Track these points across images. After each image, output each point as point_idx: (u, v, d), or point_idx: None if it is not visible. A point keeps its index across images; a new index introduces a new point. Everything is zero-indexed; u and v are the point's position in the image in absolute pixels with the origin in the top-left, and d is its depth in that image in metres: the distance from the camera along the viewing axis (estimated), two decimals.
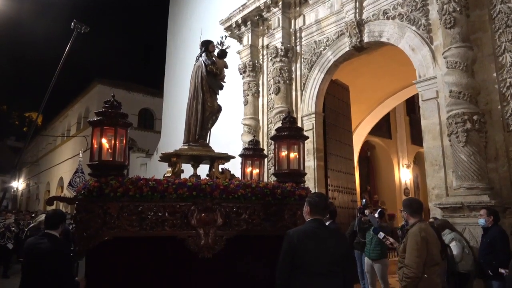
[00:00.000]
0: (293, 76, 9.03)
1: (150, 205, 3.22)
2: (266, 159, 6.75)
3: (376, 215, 6.38)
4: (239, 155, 4.99)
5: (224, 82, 4.63)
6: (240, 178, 4.37)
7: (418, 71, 6.77)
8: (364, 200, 7.12)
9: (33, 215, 13.89)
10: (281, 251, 2.86)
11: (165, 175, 3.97)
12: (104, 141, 3.28)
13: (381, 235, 5.58)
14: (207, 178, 3.94)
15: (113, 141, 3.28)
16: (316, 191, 8.03)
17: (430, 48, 6.61)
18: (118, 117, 3.33)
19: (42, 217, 6.46)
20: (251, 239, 3.51)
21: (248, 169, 4.83)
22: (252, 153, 4.85)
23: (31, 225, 7.23)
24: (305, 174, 4.23)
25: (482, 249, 4.92)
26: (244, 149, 5.09)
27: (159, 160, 4.43)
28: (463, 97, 5.71)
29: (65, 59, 7.73)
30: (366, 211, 6.66)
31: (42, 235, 3.89)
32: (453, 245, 5.01)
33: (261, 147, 6.03)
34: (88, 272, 3.15)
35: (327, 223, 6.62)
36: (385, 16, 7.39)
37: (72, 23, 7.77)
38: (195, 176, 4.12)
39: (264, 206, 3.56)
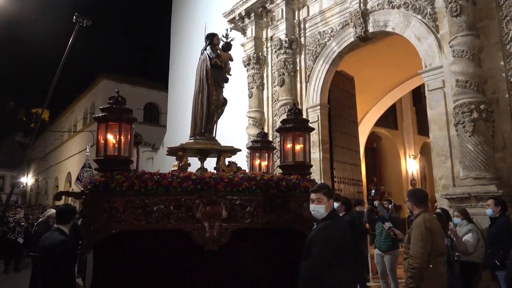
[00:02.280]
0: (298, 68, 8.98)
1: (155, 199, 3.25)
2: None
3: (390, 206, 6.39)
4: (248, 148, 4.98)
5: (230, 75, 4.61)
6: (247, 171, 4.38)
7: (424, 60, 6.70)
8: (373, 191, 7.11)
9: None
10: (325, 250, 2.77)
11: (172, 169, 3.99)
12: (109, 136, 3.31)
13: (387, 225, 5.57)
14: (212, 171, 3.95)
15: (118, 137, 3.30)
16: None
17: (436, 37, 6.53)
18: (122, 113, 3.35)
19: (50, 211, 6.56)
20: (256, 232, 3.52)
21: (257, 162, 4.83)
22: (260, 145, 4.85)
23: (39, 220, 7.33)
24: (311, 166, 4.21)
25: (489, 239, 4.89)
26: (253, 141, 5.10)
27: (166, 154, 4.45)
28: (469, 86, 5.64)
29: (68, 52, 7.74)
30: (375, 202, 6.66)
31: (52, 230, 3.97)
32: (469, 236, 4.97)
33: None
34: (96, 265, 3.20)
35: (340, 215, 6.65)
36: (390, 5, 7.30)
37: (74, 17, 7.77)
38: (202, 169, 4.13)
39: (269, 199, 3.56)
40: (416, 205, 3.55)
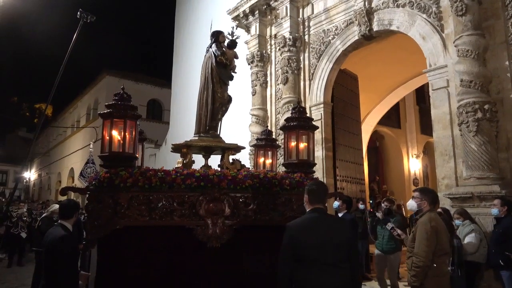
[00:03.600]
0: (301, 66, 8.97)
1: (159, 195, 3.25)
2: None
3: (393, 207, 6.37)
4: (252, 146, 4.98)
5: (235, 72, 4.60)
6: (250, 168, 4.38)
7: (429, 59, 6.67)
8: (371, 201, 6.94)
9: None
10: (282, 244, 2.78)
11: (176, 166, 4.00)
12: (114, 133, 3.31)
13: (389, 226, 5.57)
14: (216, 168, 3.96)
15: (122, 133, 3.30)
16: (325, 181, 8.04)
17: (441, 36, 6.51)
18: (127, 110, 3.35)
19: (54, 207, 6.59)
20: (259, 229, 3.53)
21: (261, 159, 4.84)
22: (265, 143, 4.85)
23: (43, 215, 7.36)
24: (315, 164, 4.21)
25: (494, 239, 4.89)
26: (257, 139, 5.11)
27: (171, 151, 4.46)
28: (474, 86, 5.62)
29: (72, 48, 7.74)
30: (378, 214, 6.54)
31: (55, 225, 3.99)
32: (471, 236, 4.98)
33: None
34: (100, 260, 3.22)
35: (341, 214, 6.60)
36: (395, 4, 7.28)
37: (78, 13, 7.76)
38: (206, 166, 4.13)
39: (272, 197, 3.56)
40: (429, 204, 3.54)
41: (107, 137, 3.31)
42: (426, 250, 3.29)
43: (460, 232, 5.14)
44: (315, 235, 2.74)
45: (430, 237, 3.32)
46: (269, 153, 4.83)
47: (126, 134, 3.32)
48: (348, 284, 2.74)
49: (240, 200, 3.46)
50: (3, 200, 14.57)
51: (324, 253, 2.70)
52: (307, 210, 2.93)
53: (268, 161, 4.78)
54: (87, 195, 3.29)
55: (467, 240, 5.01)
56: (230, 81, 4.51)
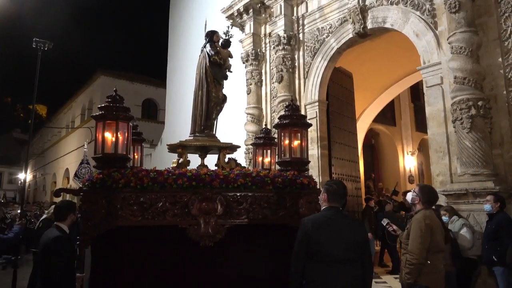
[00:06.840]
0: (296, 64, 8.96)
1: (151, 195, 3.24)
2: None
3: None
4: (251, 144, 4.96)
5: (230, 71, 4.60)
6: (246, 167, 4.37)
7: (423, 57, 6.69)
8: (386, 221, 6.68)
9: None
10: (296, 239, 2.88)
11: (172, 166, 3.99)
12: (107, 134, 3.31)
13: (385, 221, 5.56)
14: (214, 168, 3.94)
15: (115, 135, 3.30)
16: (320, 179, 8.04)
17: (434, 34, 6.52)
18: (119, 111, 3.34)
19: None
20: (252, 228, 3.52)
21: (260, 158, 4.83)
22: (263, 141, 4.83)
23: (43, 217, 7.31)
24: (308, 162, 4.19)
25: (487, 235, 4.92)
26: (256, 137, 5.10)
27: (168, 151, 4.45)
28: (468, 83, 5.64)
29: (38, 76, 7.60)
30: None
31: (52, 227, 3.97)
32: (464, 231, 5.00)
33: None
34: (94, 260, 3.21)
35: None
36: (389, 1, 7.28)
37: (34, 42, 7.42)
38: (202, 166, 4.13)
39: (265, 195, 3.55)
40: (422, 203, 3.55)
41: (100, 139, 3.30)
42: (420, 248, 3.30)
43: (451, 228, 5.16)
44: (328, 232, 2.82)
45: (424, 234, 3.32)
46: (268, 151, 4.81)
47: (119, 135, 3.31)
48: (358, 282, 2.81)
49: (233, 199, 3.45)
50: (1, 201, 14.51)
51: (335, 251, 2.79)
52: (323, 208, 3.02)
53: (267, 159, 4.76)
54: (80, 196, 3.28)
55: (460, 235, 5.03)
56: (224, 81, 4.50)
